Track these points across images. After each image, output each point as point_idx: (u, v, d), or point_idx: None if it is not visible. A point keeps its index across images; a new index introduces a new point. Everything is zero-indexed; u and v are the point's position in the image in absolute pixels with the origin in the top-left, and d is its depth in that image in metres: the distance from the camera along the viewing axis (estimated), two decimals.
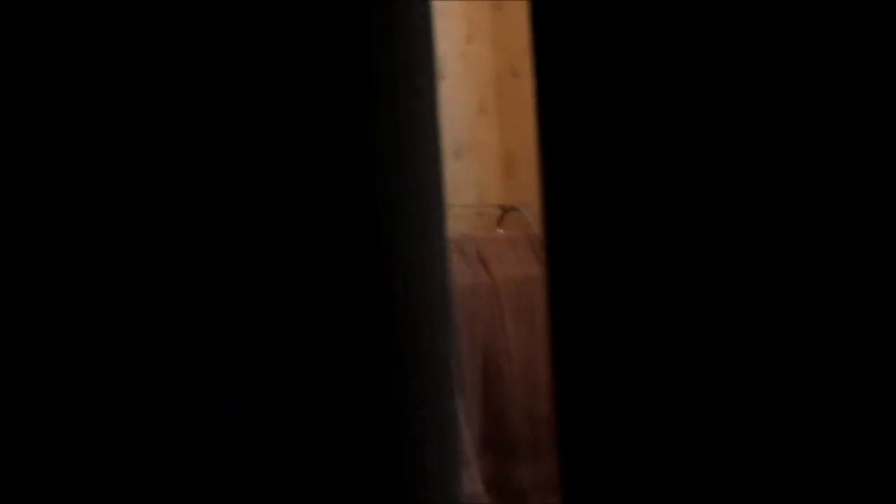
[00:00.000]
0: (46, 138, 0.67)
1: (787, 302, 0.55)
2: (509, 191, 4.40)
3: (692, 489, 0.58)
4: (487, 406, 3.57)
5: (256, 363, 0.69)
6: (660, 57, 0.56)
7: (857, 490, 0.51)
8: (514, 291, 3.69)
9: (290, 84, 0.68)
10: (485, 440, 3.57)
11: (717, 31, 0.54)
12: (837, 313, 0.52)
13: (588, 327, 0.61)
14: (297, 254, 0.68)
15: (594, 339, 0.60)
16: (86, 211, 0.66)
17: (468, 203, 4.25)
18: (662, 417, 0.59)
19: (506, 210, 4.28)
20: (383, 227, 0.71)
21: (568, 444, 0.67)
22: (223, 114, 0.68)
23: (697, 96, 0.54)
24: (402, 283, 0.71)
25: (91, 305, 0.67)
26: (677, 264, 0.56)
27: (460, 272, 3.37)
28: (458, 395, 0.77)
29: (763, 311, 0.55)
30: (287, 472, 0.69)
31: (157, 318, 0.67)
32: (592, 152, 0.58)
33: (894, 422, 0.50)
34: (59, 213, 0.66)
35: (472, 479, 3.00)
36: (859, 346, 0.52)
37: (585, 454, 0.62)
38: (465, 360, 3.34)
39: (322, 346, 0.68)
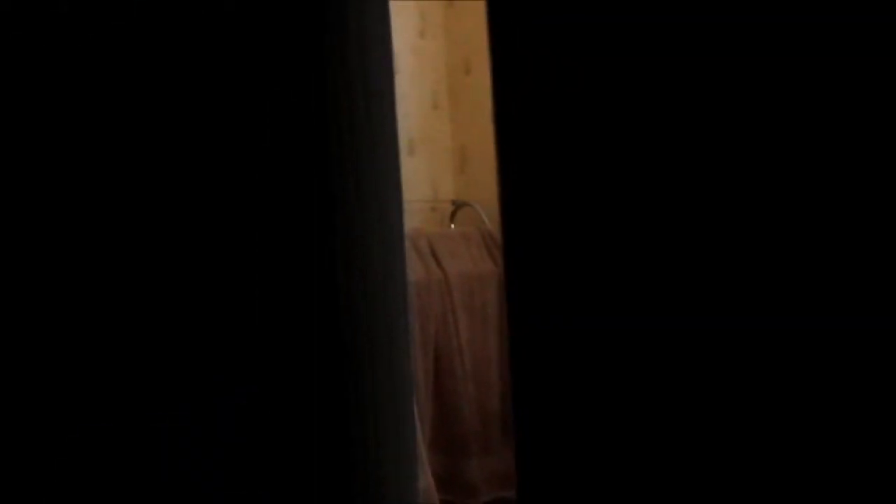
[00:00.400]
0: (46, 138, 0.66)
1: (723, 239, 0.56)
2: (462, 186, 4.41)
3: (635, 414, 0.59)
4: (439, 401, 3.58)
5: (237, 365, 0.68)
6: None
7: (795, 416, 0.53)
8: (465, 287, 3.69)
9: (244, 85, 0.68)
10: (436, 435, 3.57)
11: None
12: (766, 245, 0.54)
13: (539, 259, 0.62)
14: (262, 255, 0.68)
15: (545, 270, 0.62)
16: (85, 211, 0.65)
17: (421, 198, 4.25)
18: (606, 345, 0.61)
19: (458, 206, 4.29)
20: (342, 225, 0.71)
21: (519, 371, 0.68)
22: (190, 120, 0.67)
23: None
24: (360, 283, 0.71)
25: (91, 306, 0.67)
26: (619, 197, 0.58)
27: (413, 268, 3.37)
28: (414, 392, 0.77)
29: (701, 247, 0.57)
30: (281, 472, 0.69)
31: (156, 319, 0.67)
32: (544, 85, 0.60)
33: (824, 350, 0.52)
34: (58, 213, 0.65)
35: (423, 474, 3.01)
36: (786, 279, 0.53)
37: (536, 380, 0.64)
38: (417, 356, 3.34)
39: (277, 347, 0.68)
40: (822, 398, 0.54)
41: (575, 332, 0.63)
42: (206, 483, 0.69)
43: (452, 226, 4.26)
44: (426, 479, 3.10)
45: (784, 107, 0.54)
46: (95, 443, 0.69)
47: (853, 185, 0.52)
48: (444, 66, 4.40)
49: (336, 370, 0.70)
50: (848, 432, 0.53)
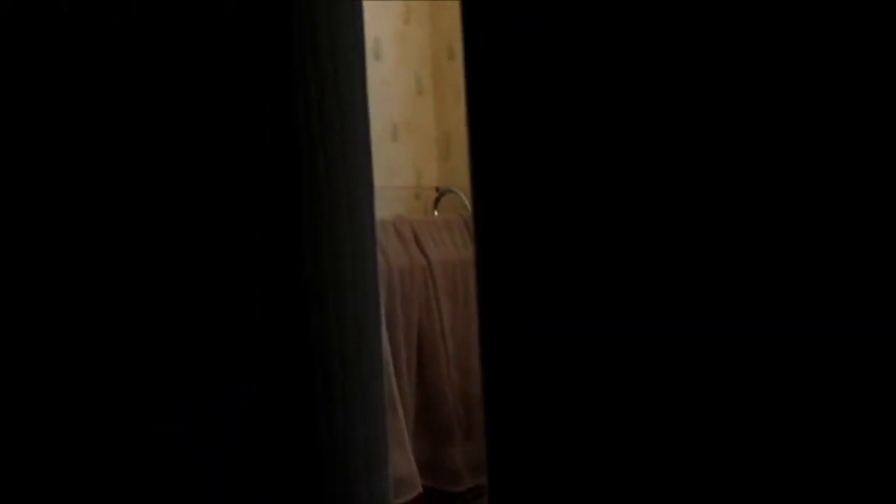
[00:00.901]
0: (45, 138, 0.66)
1: (696, 235, 0.57)
2: (446, 173, 4.41)
3: (601, 410, 0.60)
4: (422, 388, 3.58)
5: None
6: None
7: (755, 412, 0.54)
8: (449, 274, 3.70)
9: (209, 76, 0.67)
10: (420, 422, 3.58)
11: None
12: (738, 243, 0.55)
13: (509, 260, 0.62)
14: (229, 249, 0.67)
15: (515, 271, 0.62)
16: (85, 210, 0.65)
17: (405, 185, 4.25)
18: (578, 342, 0.61)
19: (442, 192, 4.29)
20: (311, 218, 0.71)
21: (490, 367, 0.69)
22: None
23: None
24: (330, 275, 0.71)
25: (91, 306, 0.66)
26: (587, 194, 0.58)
27: (396, 254, 3.37)
28: (391, 383, 0.77)
29: (677, 244, 0.58)
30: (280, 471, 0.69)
31: (156, 319, 0.67)
32: (514, 86, 0.60)
33: (783, 349, 0.53)
34: (58, 212, 0.65)
35: (407, 461, 3.01)
36: (746, 278, 0.54)
37: (507, 379, 0.64)
38: (401, 343, 3.35)
39: (242, 342, 0.68)
40: (788, 398, 0.55)
41: (547, 330, 0.64)
42: (207, 483, 0.69)
43: (436, 212, 4.26)
44: (410, 466, 3.11)
45: (742, 104, 0.54)
46: (95, 443, 0.69)
47: (823, 183, 0.53)
48: (428, 52, 4.39)
49: (304, 364, 0.71)
50: (823, 437, 0.54)
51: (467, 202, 4.20)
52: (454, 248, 3.78)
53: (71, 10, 0.65)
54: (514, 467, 0.68)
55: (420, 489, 3.19)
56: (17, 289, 0.67)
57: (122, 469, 0.68)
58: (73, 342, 0.68)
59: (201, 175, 0.69)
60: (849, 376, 0.54)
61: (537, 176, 0.61)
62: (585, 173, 0.59)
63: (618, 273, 0.59)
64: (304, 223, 0.69)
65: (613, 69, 0.57)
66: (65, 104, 0.67)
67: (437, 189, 4.34)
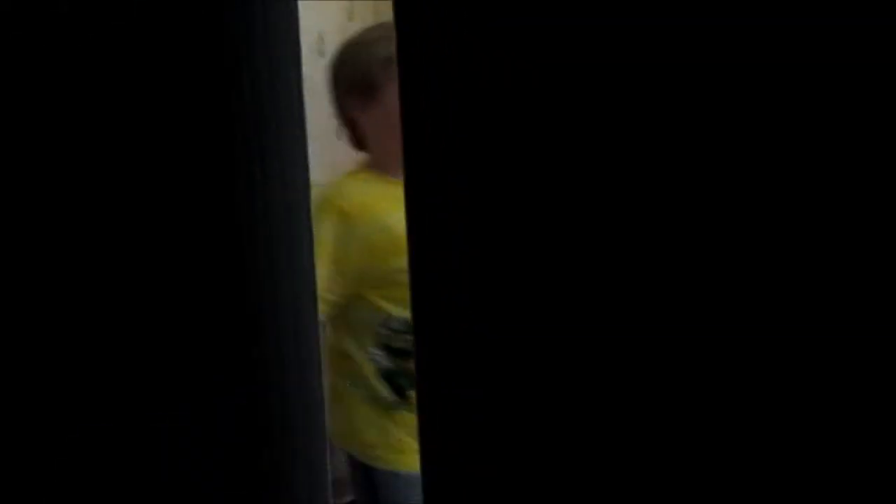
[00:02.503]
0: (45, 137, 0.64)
1: (662, 241, 0.57)
2: None
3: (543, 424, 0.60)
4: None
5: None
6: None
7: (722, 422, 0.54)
8: None
9: (142, 65, 0.67)
10: None
11: None
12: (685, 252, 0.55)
13: (447, 270, 0.62)
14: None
15: (461, 275, 0.62)
16: (86, 210, 0.64)
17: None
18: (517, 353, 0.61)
19: None
20: (247, 212, 0.70)
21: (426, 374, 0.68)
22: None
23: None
24: (267, 272, 0.70)
25: (90, 305, 0.65)
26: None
27: None
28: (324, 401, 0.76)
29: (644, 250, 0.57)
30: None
31: (156, 318, 0.66)
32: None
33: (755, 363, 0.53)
34: (58, 212, 0.64)
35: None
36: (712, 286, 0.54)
37: (442, 387, 0.64)
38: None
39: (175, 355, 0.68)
40: (778, 413, 0.55)
41: (498, 340, 0.63)
42: (207, 483, 0.68)
43: None
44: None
45: (738, 106, 0.54)
46: (95, 443, 0.67)
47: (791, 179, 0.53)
48: None
49: (243, 366, 0.70)
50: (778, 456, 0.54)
51: None
52: None
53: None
54: (448, 483, 0.68)
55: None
56: (12, 289, 0.66)
57: (122, 469, 0.67)
58: (73, 341, 0.67)
59: (144, 174, 0.69)
60: (843, 393, 0.54)
61: (508, 180, 0.61)
62: (560, 176, 0.59)
63: (592, 282, 0.58)
64: (241, 221, 0.69)
65: (588, 66, 0.57)
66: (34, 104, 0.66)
67: None
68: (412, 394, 2.37)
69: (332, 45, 4.22)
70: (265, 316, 0.70)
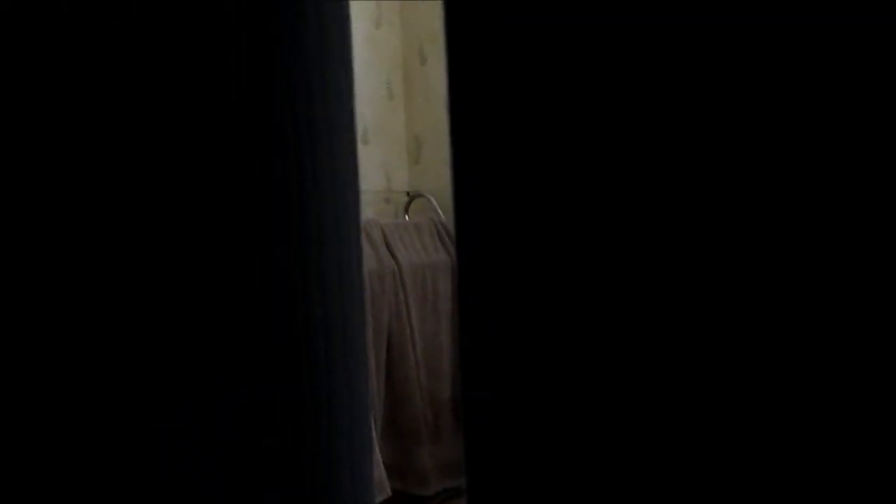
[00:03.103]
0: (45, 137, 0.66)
1: (689, 238, 0.57)
2: (416, 177, 4.41)
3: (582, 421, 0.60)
4: (390, 390, 3.59)
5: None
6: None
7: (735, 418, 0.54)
8: (418, 277, 3.70)
9: (191, 71, 0.68)
10: (387, 424, 3.58)
11: None
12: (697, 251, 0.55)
13: (492, 267, 0.63)
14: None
15: (498, 278, 0.62)
16: (85, 210, 0.65)
17: (375, 188, 4.25)
18: (556, 353, 0.61)
19: (412, 196, 4.29)
20: (298, 219, 0.71)
21: (469, 376, 0.69)
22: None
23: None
24: (316, 278, 0.71)
25: (90, 305, 0.66)
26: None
27: (366, 258, 3.37)
28: (369, 388, 0.77)
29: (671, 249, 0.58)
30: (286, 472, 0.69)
31: (156, 318, 0.67)
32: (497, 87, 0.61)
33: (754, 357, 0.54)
34: (59, 212, 0.65)
35: (376, 464, 3.01)
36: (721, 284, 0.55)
37: (486, 385, 0.64)
38: (370, 345, 3.35)
39: (230, 345, 0.68)
40: (784, 406, 0.56)
41: (529, 339, 0.64)
42: (206, 483, 0.69)
43: (407, 216, 4.27)
44: (378, 470, 3.11)
45: (739, 105, 0.55)
46: (95, 443, 0.68)
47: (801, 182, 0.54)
48: (399, 55, 4.40)
49: (291, 368, 0.71)
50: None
51: (437, 206, 4.21)
52: (424, 252, 3.78)
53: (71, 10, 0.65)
54: (491, 477, 0.69)
55: (389, 492, 3.20)
56: (12, 289, 0.67)
57: (122, 469, 0.68)
58: (73, 341, 0.68)
59: (189, 177, 0.70)
60: (841, 395, 0.54)
61: (523, 178, 0.62)
62: (572, 176, 0.59)
63: (606, 280, 0.59)
64: (292, 226, 0.70)
65: (604, 67, 0.58)
66: (58, 103, 0.67)
67: (408, 193, 4.35)
68: None
69: (360, 51, 4.25)
70: (315, 321, 0.71)
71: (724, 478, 0.54)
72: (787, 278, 0.53)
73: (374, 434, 3.01)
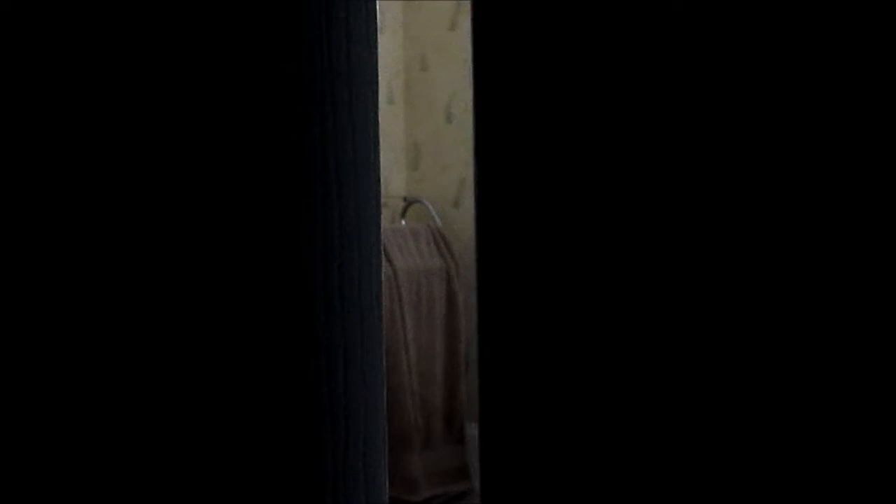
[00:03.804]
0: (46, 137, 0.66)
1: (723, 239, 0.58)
2: (414, 182, 4.42)
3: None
4: (386, 397, 3.59)
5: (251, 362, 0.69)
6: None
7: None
8: (413, 283, 3.71)
9: (221, 75, 0.69)
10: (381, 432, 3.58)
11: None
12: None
13: (513, 263, 0.64)
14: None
15: (520, 274, 0.63)
16: (85, 210, 0.66)
17: None
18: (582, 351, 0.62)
19: (410, 202, 4.30)
20: (321, 221, 0.72)
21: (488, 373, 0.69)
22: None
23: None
24: (337, 280, 0.72)
25: (90, 305, 0.67)
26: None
27: None
28: (384, 390, 0.78)
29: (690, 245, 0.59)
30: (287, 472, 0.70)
31: (156, 318, 0.67)
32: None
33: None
34: (58, 212, 0.66)
35: None
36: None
37: (505, 382, 0.65)
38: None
39: (258, 343, 0.69)
40: (789, 399, 0.57)
41: (549, 334, 0.65)
42: (206, 483, 0.69)
43: (403, 222, 4.27)
44: None
45: (751, 103, 0.56)
46: (95, 442, 0.69)
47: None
48: (401, 61, 4.41)
49: (310, 370, 0.72)
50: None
51: (434, 212, 4.22)
52: (420, 258, 3.79)
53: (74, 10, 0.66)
54: (505, 474, 0.69)
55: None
56: (16, 288, 0.68)
57: (123, 469, 0.69)
58: (73, 341, 0.69)
59: (210, 178, 0.71)
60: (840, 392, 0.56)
61: (552, 172, 0.63)
62: (599, 170, 0.60)
63: (626, 276, 0.60)
64: (316, 228, 0.71)
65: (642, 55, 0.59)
66: (69, 102, 0.68)
67: (405, 199, 4.35)
68: None
69: None
70: (334, 327, 0.71)
71: (736, 478, 0.55)
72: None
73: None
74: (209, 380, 0.68)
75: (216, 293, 0.68)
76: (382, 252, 2.84)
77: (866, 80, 0.51)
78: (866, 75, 0.51)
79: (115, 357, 0.68)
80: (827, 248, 0.54)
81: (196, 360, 0.68)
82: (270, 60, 0.70)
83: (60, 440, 0.68)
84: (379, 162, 0.76)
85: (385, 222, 4.23)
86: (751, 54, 0.55)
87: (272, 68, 0.70)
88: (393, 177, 4.38)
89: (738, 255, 0.57)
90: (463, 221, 4.19)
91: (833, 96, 0.53)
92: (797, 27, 0.52)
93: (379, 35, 4.37)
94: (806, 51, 0.53)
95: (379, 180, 0.76)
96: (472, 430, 4.09)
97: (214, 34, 0.69)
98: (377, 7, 0.74)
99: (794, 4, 0.52)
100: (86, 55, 0.68)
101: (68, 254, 0.67)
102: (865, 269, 0.53)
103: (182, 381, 0.68)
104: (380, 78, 4.33)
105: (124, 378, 0.67)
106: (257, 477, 0.70)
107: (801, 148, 0.54)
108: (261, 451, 0.70)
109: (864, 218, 0.53)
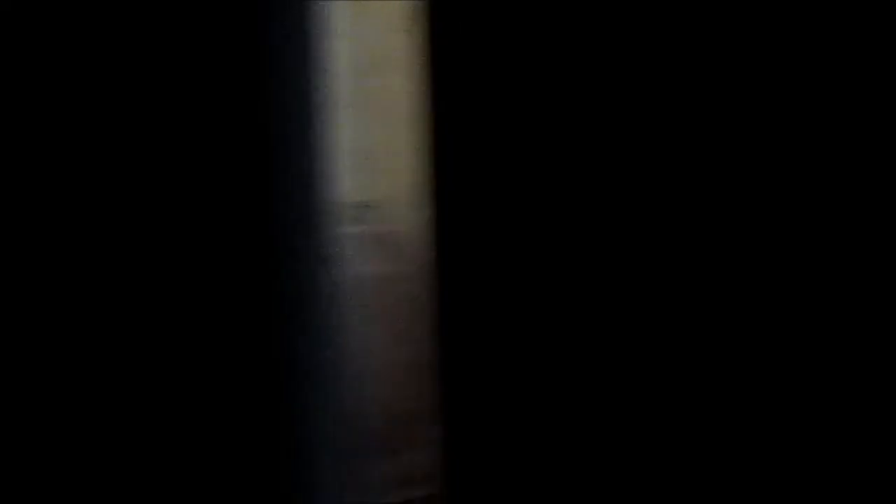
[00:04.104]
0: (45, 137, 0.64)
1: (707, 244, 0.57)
2: (366, 187, 4.39)
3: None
4: (346, 404, 3.56)
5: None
6: None
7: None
8: (369, 288, 3.69)
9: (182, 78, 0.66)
10: (343, 438, 3.56)
11: None
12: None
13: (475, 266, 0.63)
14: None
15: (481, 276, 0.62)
16: (85, 210, 0.63)
17: (330, 198, 4.21)
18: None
19: (362, 206, 4.28)
20: (272, 232, 0.70)
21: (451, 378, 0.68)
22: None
23: None
24: (289, 283, 0.70)
25: (90, 305, 0.64)
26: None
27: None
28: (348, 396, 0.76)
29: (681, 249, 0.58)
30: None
31: (156, 319, 0.65)
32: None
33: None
34: (58, 212, 0.63)
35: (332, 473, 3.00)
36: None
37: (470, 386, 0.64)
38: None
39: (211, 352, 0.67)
40: (785, 402, 0.55)
41: (512, 338, 0.64)
42: (204, 482, 0.67)
43: (360, 226, 4.25)
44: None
45: (742, 103, 0.55)
46: (95, 442, 0.66)
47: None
48: (351, 65, 4.38)
49: (268, 377, 0.70)
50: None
51: (388, 216, 4.19)
52: (378, 263, 3.77)
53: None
54: (469, 477, 0.68)
55: None
56: (19, 289, 0.65)
57: (122, 469, 0.66)
58: (74, 341, 0.66)
59: (151, 183, 0.68)
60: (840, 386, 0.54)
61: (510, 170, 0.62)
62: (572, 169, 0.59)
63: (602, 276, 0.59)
64: (265, 234, 0.69)
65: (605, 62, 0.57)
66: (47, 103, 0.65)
67: (357, 203, 4.33)
68: None
69: None
70: (292, 334, 0.69)
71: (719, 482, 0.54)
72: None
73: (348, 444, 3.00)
74: (169, 389, 0.65)
75: (166, 302, 0.65)
76: (336, 257, 2.83)
77: (866, 80, 0.50)
78: (866, 75, 0.50)
79: (72, 342, 0.65)
80: (823, 247, 0.53)
81: (155, 370, 0.65)
82: (214, 65, 0.67)
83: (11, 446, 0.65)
84: (329, 167, 0.74)
85: (337, 227, 4.20)
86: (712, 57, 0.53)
87: (215, 73, 0.67)
88: (345, 181, 4.34)
89: (691, 255, 0.55)
90: (418, 225, 4.18)
91: (833, 96, 0.52)
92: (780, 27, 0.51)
93: (328, 38, 4.33)
94: (806, 50, 0.51)
95: (329, 185, 0.74)
96: (436, 434, 4.08)
97: (153, 37, 0.67)
98: (326, 10, 0.72)
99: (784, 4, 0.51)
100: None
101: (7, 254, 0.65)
102: (865, 269, 0.52)
103: (140, 391, 0.65)
104: (329, 82, 4.29)
105: (81, 371, 0.65)
106: (219, 482, 0.68)
107: (799, 147, 0.53)
108: (222, 457, 0.68)
109: (864, 218, 0.52)
